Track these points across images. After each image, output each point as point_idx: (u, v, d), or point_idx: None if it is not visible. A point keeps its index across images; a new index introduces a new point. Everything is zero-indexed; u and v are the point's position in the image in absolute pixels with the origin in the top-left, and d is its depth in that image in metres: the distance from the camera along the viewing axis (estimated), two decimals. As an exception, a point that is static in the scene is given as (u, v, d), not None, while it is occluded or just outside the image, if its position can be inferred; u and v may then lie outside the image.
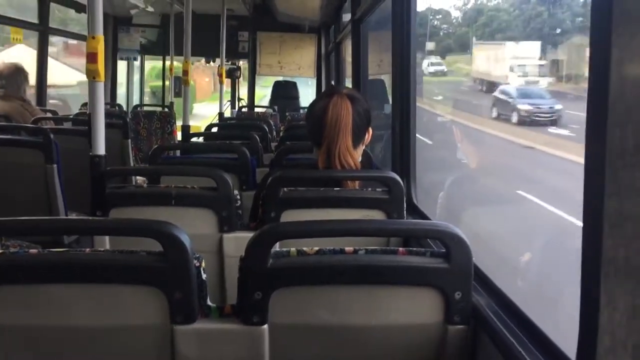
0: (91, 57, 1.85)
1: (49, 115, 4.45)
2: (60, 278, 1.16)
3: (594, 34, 0.77)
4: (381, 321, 1.23)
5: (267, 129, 4.05)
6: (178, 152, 3.67)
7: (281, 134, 5.08)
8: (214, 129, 4.37)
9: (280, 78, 8.85)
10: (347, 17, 5.64)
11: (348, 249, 1.21)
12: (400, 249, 1.23)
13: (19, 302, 1.17)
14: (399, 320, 1.23)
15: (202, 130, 6.01)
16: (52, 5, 5.49)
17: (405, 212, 1.92)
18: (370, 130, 2.02)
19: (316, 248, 1.20)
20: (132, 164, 4.45)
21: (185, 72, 3.79)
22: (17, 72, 3.89)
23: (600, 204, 0.75)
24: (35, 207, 3.15)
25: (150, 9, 6.89)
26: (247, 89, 8.22)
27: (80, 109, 5.75)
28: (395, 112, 2.52)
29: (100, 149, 1.93)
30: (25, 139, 3.28)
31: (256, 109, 7.71)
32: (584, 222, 0.81)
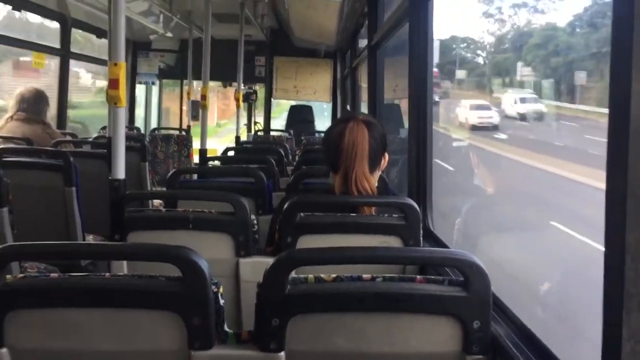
0: (113, 83, 1.89)
1: (68, 138, 4.52)
2: (80, 302, 1.17)
3: (614, 67, 0.77)
4: (399, 349, 1.22)
5: (283, 153, 4.07)
6: (195, 175, 3.70)
7: (297, 157, 5.11)
8: (231, 153, 4.40)
9: (295, 102, 8.92)
10: (362, 42, 5.70)
11: (366, 276, 1.20)
12: (418, 277, 1.22)
13: (38, 325, 1.18)
14: (416, 349, 1.22)
15: (218, 153, 6.06)
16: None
17: (421, 238, 1.91)
18: (387, 155, 2.03)
19: (333, 275, 1.20)
20: (149, 187, 4.48)
21: (204, 97, 3.83)
22: (38, 96, 3.97)
23: (622, 238, 0.74)
24: (53, 229, 3.18)
25: (169, 34, 7.01)
26: (263, 113, 8.29)
27: (99, 132, 5.84)
28: (411, 137, 2.52)
29: (120, 173, 1.95)
30: (46, 161, 3.33)
31: (272, 133, 7.77)
32: (605, 255, 0.80)
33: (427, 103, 2.47)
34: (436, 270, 1.72)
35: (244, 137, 7.36)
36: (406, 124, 4.98)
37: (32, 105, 3.93)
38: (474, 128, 5.11)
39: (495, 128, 4.82)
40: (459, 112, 5.39)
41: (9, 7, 4.54)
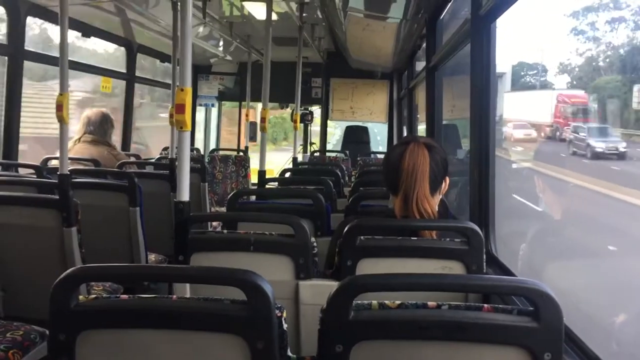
0: (179, 108, 1.94)
1: (133, 159, 4.67)
2: (148, 324, 1.19)
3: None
4: None
5: (339, 174, 4.08)
6: (253, 197, 3.75)
7: (353, 178, 5.10)
8: (288, 174, 4.44)
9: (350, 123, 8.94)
10: (420, 63, 5.67)
11: (431, 303, 1.18)
12: (485, 305, 1.19)
13: (108, 346, 1.21)
14: None
15: (275, 173, 6.12)
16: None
17: (484, 263, 1.86)
18: (447, 179, 2.00)
19: (398, 302, 1.18)
20: (208, 207, 4.57)
21: (263, 119, 3.89)
22: (104, 119, 4.13)
23: None
24: (117, 247, 3.28)
25: (228, 57, 7.19)
26: (320, 134, 8.34)
27: (160, 154, 6.01)
28: (473, 159, 2.47)
29: (185, 195, 1.99)
30: (112, 182, 3.44)
31: (327, 153, 7.81)
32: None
33: (490, 124, 2.42)
34: (502, 299, 1.67)
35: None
36: (464, 145, 4.91)
37: (97, 128, 4.09)
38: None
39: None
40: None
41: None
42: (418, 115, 6.44)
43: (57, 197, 2.65)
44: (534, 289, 1.15)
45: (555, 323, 1.14)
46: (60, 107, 2.67)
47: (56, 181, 2.69)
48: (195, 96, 7.80)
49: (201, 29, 5.57)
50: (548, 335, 1.14)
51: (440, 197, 2.02)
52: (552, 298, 1.14)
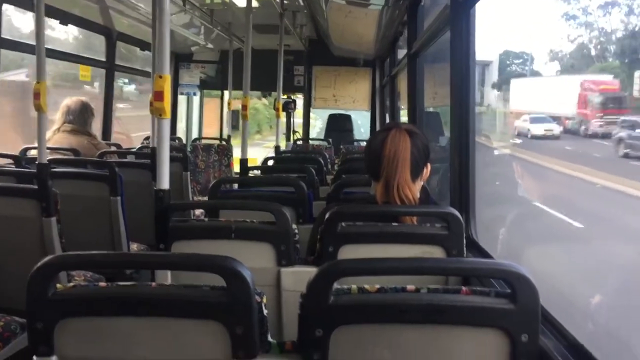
0: (158, 95, 1.92)
1: (113, 149, 4.63)
2: (128, 311, 1.19)
3: None
4: None
5: (322, 162, 4.08)
6: (235, 185, 3.74)
7: (336, 166, 5.11)
8: (270, 162, 4.44)
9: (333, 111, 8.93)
10: (401, 51, 5.68)
11: (410, 287, 1.19)
12: (464, 288, 1.20)
13: (87, 334, 1.20)
14: None
15: (258, 162, 6.11)
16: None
17: (464, 248, 1.88)
18: (429, 166, 2.01)
19: (377, 286, 1.19)
20: (190, 196, 4.55)
21: (244, 107, 3.87)
22: (83, 108, 4.07)
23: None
24: (98, 237, 3.25)
25: (209, 45, 7.13)
26: (302, 122, 8.33)
27: (142, 143, 5.96)
28: (453, 146, 2.49)
29: (165, 183, 1.98)
30: (92, 172, 3.41)
31: (310, 142, 7.80)
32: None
33: (470, 111, 2.43)
34: (480, 282, 1.69)
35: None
36: (446, 132, 4.92)
37: (77, 117, 4.04)
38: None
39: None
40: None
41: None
42: (400, 104, 6.45)
43: (36, 187, 2.62)
44: (510, 271, 1.16)
45: (531, 304, 1.16)
46: (37, 96, 2.63)
47: (35, 171, 2.66)
48: (176, 85, 7.74)
49: (182, 16, 5.51)
50: (525, 317, 1.16)
51: (422, 183, 2.03)
52: (528, 280, 1.15)
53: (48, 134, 4.00)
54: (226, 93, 7.51)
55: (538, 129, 4.99)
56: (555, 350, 1.22)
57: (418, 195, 1.99)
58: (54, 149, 3.80)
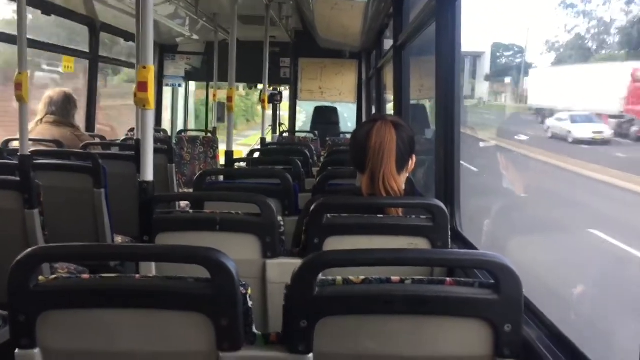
0: (141, 86, 1.91)
1: (97, 140, 4.58)
2: (111, 303, 1.18)
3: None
4: (428, 352, 1.20)
5: (308, 154, 4.07)
6: (221, 177, 3.72)
7: (322, 159, 5.11)
8: (256, 154, 4.42)
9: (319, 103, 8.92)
10: (388, 42, 5.67)
11: (394, 278, 1.19)
12: (448, 279, 1.21)
13: (70, 326, 1.19)
14: (446, 352, 1.20)
15: (244, 154, 6.08)
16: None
17: (449, 239, 1.89)
18: (414, 157, 2.01)
19: (362, 277, 1.20)
20: (176, 188, 4.52)
21: (230, 99, 3.85)
22: (66, 99, 4.03)
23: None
24: (82, 230, 3.23)
25: (195, 37, 7.07)
26: (289, 114, 8.31)
27: (126, 134, 5.91)
28: (439, 138, 2.50)
29: (149, 175, 1.97)
30: (75, 163, 3.38)
31: (297, 134, 7.79)
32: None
33: (455, 104, 2.44)
34: (465, 273, 1.70)
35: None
36: (432, 125, 4.93)
37: (60, 108, 3.99)
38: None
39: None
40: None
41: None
42: (387, 96, 6.45)
43: (18, 179, 2.59)
44: (494, 262, 1.17)
45: (515, 295, 1.17)
46: (19, 86, 2.60)
47: (17, 162, 2.63)
48: (161, 76, 7.68)
49: (166, 6, 5.45)
50: (508, 307, 1.17)
51: (407, 175, 2.03)
52: (512, 270, 1.16)
53: (30, 125, 3.96)
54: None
55: (583, 131, 3.95)
56: (537, 339, 1.23)
57: (403, 187, 2.00)
58: (36, 141, 3.76)
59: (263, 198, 1.95)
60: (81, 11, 5.25)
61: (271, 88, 7.86)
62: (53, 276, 1.19)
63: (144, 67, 1.92)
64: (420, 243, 1.86)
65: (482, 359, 1.19)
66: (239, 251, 1.84)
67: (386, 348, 1.20)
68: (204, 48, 7.81)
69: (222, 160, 6.46)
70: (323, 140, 7.04)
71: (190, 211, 2.32)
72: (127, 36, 6.10)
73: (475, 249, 2.14)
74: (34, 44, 4.51)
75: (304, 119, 14.16)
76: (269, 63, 5.40)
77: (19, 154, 2.61)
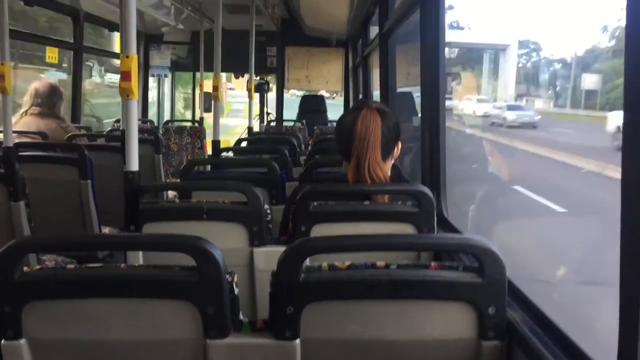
0: (125, 76, 1.90)
1: (83, 132, 4.55)
2: (97, 293, 1.18)
3: (630, 42, 0.76)
4: (414, 336, 1.22)
5: (295, 143, 4.07)
6: (208, 167, 3.71)
7: (309, 147, 5.11)
8: (244, 144, 4.41)
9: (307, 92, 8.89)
10: (374, 30, 5.66)
11: (380, 263, 1.20)
12: (433, 263, 1.22)
13: (56, 317, 1.19)
14: (432, 336, 1.22)
15: (231, 144, 6.06)
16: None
17: (435, 225, 1.91)
18: (400, 144, 2.02)
19: (347, 262, 1.20)
20: (163, 179, 4.51)
21: (216, 88, 3.84)
22: (52, 91, 3.99)
23: (638, 217, 0.73)
24: (69, 222, 3.22)
25: (180, 26, 7.01)
26: (276, 104, 8.28)
27: (112, 126, 5.88)
28: (424, 124, 2.51)
29: (134, 165, 1.96)
30: (60, 155, 3.36)
31: (284, 123, 7.77)
32: (621, 236, 0.79)
33: (440, 91, 2.45)
34: (451, 257, 1.71)
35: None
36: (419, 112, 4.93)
37: (46, 100, 3.96)
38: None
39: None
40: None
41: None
42: (374, 84, 6.45)
43: (2, 171, 2.57)
44: (477, 245, 1.18)
45: (498, 277, 1.18)
46: (1, 78, 2.57)
47: (1, 154, 2.61)
48: (147, 66, 7.62)
49: (151, -4, 5.41)
50: (492, 290, 1.19)
51: (393, 162, 2.04)
52: (495, 254, 1.18)
53: (15, 117, 3.92)
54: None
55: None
56: (521, 321, 1.24)
57: (389, 174, 2.00)
58: (21, 133, 3.72)
59: (250, 187, 1.96)
60: (64, 1, 5.19)
61: (258, 77, 7.83)
62: (38, 267, 1.19)
63: (127, 57, 1.91)
64: (406, 229, 1.87)
65: (466, 341, 1.21)
66: (226, 240, 1.84)
67: (372, 332, 1.21)
68: (190, 37, 7.75)
69: (209, 150, 6.44)
70: (310, 129, 7.03)
71: (177, 201, 2.32)
72: (111, 26, 6.04)
73: (461, 234, 2.16)
74: (16, 35, 4.45)
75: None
76: (256, 52, 5.37)
77: (3, 146, 2.59)
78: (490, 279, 1.18)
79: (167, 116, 8.53)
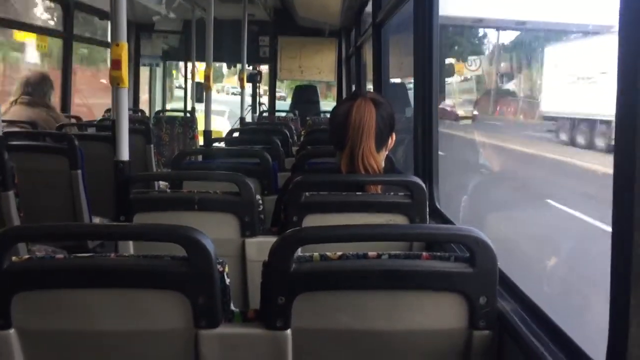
0: (115, 64, 1.88)
1: (73, 121, 4.52)
2: (87, 283, 1.17)
3: (623, 39, 0.76)
4: (405, 326, 1.22)
5: (288, 134, 4.06)
6: (200, 157, 3.69)
7: (302, 138, 5.10)
8: (236, 134, 4.39)
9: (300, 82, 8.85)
10: (367, 20, 5.64)
11: (371, 253, 1.20)
12: (424, 253, 1.22)
13: (45, 307, 1.18)
14: (423, 326, 1.22)
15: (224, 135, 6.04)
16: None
17: (428, 216, 1.90)
18: (394, 135, 2.01)
19: (339, 253, 1.20)
20: (154, 169, 4.49)
21: (207, 78, 3.81)
22: (42, 80, 3.96)
23: (630, 213, 0.73)
24: (60, 212, 3.19)
25: (172, 15, 6.95)
26: (268, 94, 8.25)
27: (103, 115, 5.83)
28: (417, 115, 2.50)
29: (124, 154, 1.95)
30: (50, 145, 3.33)
31: (277, 114, 7.74)
32: (613, 231, 0.79)
33: (433, 82, 2.44)
34: (443, 248, 1.71)
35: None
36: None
37: (36, 89, 3.93)
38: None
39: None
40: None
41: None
42: (367, 75, 6.43)
43: (-9, 160, 2.54)
44: (469, 235, 1.18)
45: (489, 268, 1.18)
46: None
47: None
48: (138, 56, 7.56)
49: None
50: (483, 280, 1.19)
51: (386, 153, 2.03)
52: (486, 244, 1.17)
53: (4, 106, 3.89)
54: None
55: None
56: (512, 311, 1.25)
57: (382, 164, 1.99)
58: (10, 122, 3.69)
59: (242, 177, 1.95)
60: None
61: (251, 67, 7.79)
62: (26, 256, 1.17)
63: (117, 45, 1.89)
64: (398, 219, 1.87)
65: (457, 331, 1.21)
66: (218, 230, 1.83)
67: (363, 323, 1.21)
68: (182, 27, 7.69)
69: (201, 140, 6.41)
70: (303, 119, 7.01)
71: (169, 191, 2.31)
72: (102, 14, 5.99)
73: (453, 224, 2.16)
74: (5, 23, 4.41)
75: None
76: (248, 42, 5.34)
77: (-9, 135, 2.56)
78: (481, 269, 1.18)
79: (158, 106, 8.49)
